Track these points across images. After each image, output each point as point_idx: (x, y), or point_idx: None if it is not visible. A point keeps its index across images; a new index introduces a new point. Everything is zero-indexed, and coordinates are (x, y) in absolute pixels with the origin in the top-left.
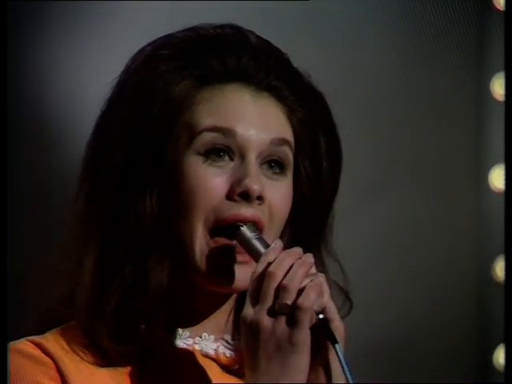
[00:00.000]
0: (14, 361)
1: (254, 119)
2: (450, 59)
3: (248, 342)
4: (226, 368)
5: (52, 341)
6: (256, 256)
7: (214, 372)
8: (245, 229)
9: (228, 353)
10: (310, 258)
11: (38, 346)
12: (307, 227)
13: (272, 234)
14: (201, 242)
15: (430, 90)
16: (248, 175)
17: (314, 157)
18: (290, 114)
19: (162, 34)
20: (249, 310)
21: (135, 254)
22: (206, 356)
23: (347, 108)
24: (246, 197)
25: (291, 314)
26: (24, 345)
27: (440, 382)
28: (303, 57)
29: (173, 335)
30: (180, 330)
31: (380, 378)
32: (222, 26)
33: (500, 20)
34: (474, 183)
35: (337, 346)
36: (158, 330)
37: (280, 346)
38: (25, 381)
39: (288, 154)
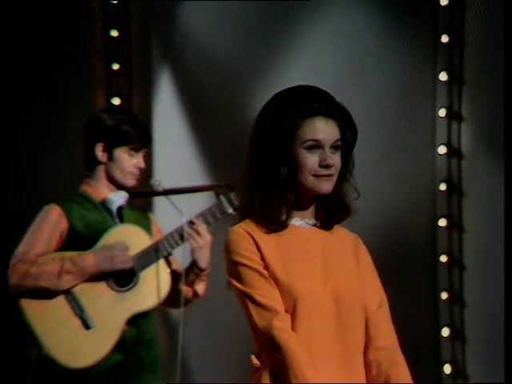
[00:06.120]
0: (232, 237)
1: (328, 133)
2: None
3: None
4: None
5: (249, 226)
6: None
7: (306, 234)
8: None
9: (307, 227)
10: None
11: (244, 229)
12: (345, 168)
13: (337, 175)
14: (309, 179)
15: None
16: (327, 157)
17: (347, 143)
18: (341, 128)
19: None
20: None
21: (278, 188)
22: (302, 228)
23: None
24: (327, 166)
25: None
26: (238, 228)
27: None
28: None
29: (292, 220)
30: (295, 217)
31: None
32: (312, 87)
33: (442, 87)
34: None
35: None
36: (288, 217)
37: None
38: (241, 246)
39: (339, 144)
